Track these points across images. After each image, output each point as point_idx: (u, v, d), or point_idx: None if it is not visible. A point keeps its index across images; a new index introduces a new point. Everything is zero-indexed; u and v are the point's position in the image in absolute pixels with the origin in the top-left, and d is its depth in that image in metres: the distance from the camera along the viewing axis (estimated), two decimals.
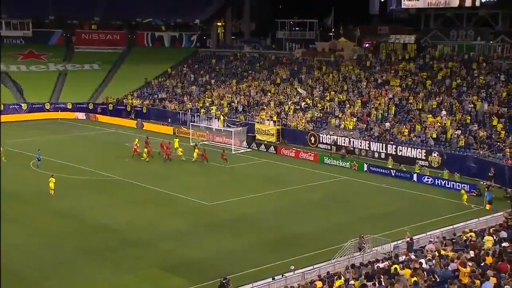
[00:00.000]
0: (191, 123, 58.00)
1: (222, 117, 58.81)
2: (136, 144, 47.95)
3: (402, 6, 62.08)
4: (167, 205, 34.78)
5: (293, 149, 50.15)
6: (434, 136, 46.43)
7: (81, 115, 69.57)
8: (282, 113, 57.37)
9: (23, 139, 54.77)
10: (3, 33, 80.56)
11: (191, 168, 44.70)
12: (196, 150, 45.42)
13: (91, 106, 70.96)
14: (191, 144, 51.42)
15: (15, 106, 68.89)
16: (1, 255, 25.75)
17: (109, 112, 69.71)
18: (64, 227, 30.50)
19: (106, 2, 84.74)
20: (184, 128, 59.22)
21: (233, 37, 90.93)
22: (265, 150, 51.53)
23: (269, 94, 62.33)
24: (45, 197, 35.29)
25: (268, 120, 56.17)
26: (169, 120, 64.62)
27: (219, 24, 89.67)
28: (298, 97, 59.71)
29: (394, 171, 43.05)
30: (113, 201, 35.59)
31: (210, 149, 50.33)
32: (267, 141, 53.82)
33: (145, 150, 47.12)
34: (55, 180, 36.02)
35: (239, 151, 51.30)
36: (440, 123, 47.75)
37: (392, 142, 47.38)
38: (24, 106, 69.21)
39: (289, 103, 58.70)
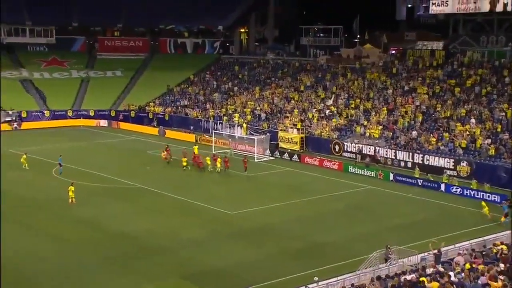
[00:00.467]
0: (213, 130, 58.18)
1: (245, 125, 58.84)
2: (166, 151, 48.59)
3: (430, 12, 61.46)
4: (189, 214, 34.80)
5: (317, 158, 49.91)
6: (463, 145, 45.76)
7: (103, 122, 70.29)
8: (306, 120, 57.18)
9: (45, 146, 55.46)
10: (27, 40, 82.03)
11: (213, 176, 44.72)
12: (219, 159, 45.40)
13: (113, 113, 71.65)
14: (213, 152, 51.67)
15: (38, 113, 69.90)
16: (1, 255, 26.37)
17: (131, 119, 70.30)
18: (85, 235, 30.68)
19: (129, 9, 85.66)
20: (207, 136, 59.35)
21: (256, 44, 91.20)
22: (289, 158, 51.38)
23: (293, 101, 62.21)
24: (66, 204, 35.57)
25: (291, 128, 56.03)
26: (191, 127, 64.88)
27: (242, 30, 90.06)
28: (323, 104, 59.46)
29: (421, 180, 42.54)
30: (134, 209, 35.73)
31: (233, 157, 50.33)
32: (291, 149, 53.65)
33: (163, 154, 47.62)
34: (75, 188, 36.26)
35: (262, 159, 51.21)
36: (469, 131, 47.07)
37: (419, 151, 46.84)
38: (46, 113, 70.21)
39: (313, 111, 58.49)
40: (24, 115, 68.76)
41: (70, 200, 35.61)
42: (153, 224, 32.67)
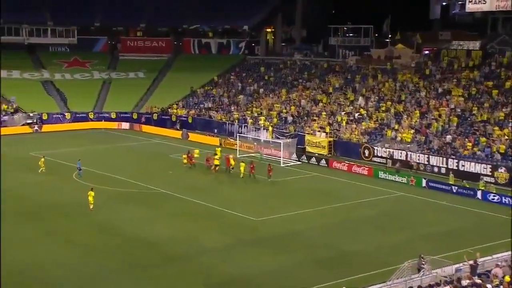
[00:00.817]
0: (238, 134, 58.22)
1: (270, 128, 58.72)
2: (188, 156, 48.83)
3: (466, 10, 60.55)
4: (212, 220, 34.81)
5: (346, 163, 49.57)
6: (502, 150, 44.96)
7: (125, 125, 70.81)
8: (334, 124, 56.85)
9: (66, 150, 56.10)
10: (48, 41, 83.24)
11: (237, 181, 44.71)
12: (243, 164, 45.35)
13: (135, 116, 72.17)
14: (238, 156, 51.76)
15: (59, 116, 70.72)
16: (1, 255, 26.83)
17: (153, 122, 70.68)
18: (105, 241, 30.88)
19: (152, 8, 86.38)
20: (231, 139, 59.40)
21: (283, 44, 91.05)
22: (316, 163, 51.13)
23: (321, 104, 61.93)
24: (86, 209, 35.86)
25: (319, 131, 55.75)
26: (215, 130, 64.98)
27: (268, 30, 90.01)
28: (352, 107, 59.08)
29: (456, 187, 41.91)
30: (156, 214, 35.88)
31: (256, 161, 50.29)
32: (318, 154, 53.35)
33: (184, 156, 47.93)
34: (95, 193, 36.40)
35: (288, 164, 51.05)
36: (507, 136, 46.23)
37: (453, 156, 46.18)
38: (68, 115, 71.05)
39: (342, 114, 58.14)
40: (45, 117, 69.67)
41: (89, 206, 35.85)
42: (174, 230, 32.73)
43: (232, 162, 46.66)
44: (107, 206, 36.97)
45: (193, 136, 63.65)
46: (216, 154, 48.70)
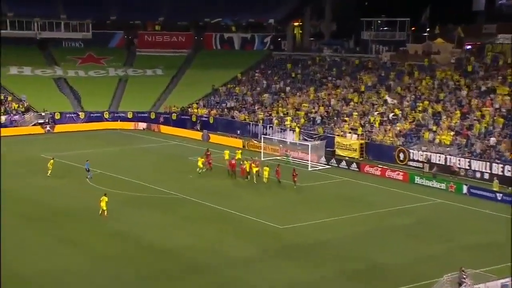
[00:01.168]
0: (262, 135, 58.30)
1: (297, 129, 58.67)
2: (206, 156, 49.08)
3: None
4: (234, 227, 34.85)
5: (379, 167, 49.30)
6: None
7: (142, 125, 71.41)
8: (367, 125, 56.58)
9: (79, 151, 56.67)
10: (61, 35, 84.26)
11: (261, 186, 44.73)
12: (267, 169, 45.22)
13: (152, 116, 72.73)
14: (262, 158, 51.78)
15: (72, 115, 71.64)
16: (1, 255, 27.33)
17: (172, 122, 71.20)
18: (120, 250, 31.05)
19: (171, 1, 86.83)
20: (255, 141, 59.46)
21: (311, 39, 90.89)
22: (346, 167, 50.95)
23: (352, 103, 61.70)
24: (99, 216, 36.14)
25: (350, 133, 55.54)
26: (238, 132, 65.16)
27: (296, 24, 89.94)
28: (385, 107, 58.76)
29: (501, 194, 41.38)
30: (174, 221, 36.03)
31: (283, 164, 50.26)
32: (349, 157, 53.18)
33: (200, 159, 48.15)
34: (108, 199, 36.48)
35: (316, 168, 50.94)
36: None
37: (498, 161, 45.61)
38: (81, 115, 71.89)
39: (375, 114, 57.81)
40: (57, 116, 70.62)
41: (100, 212, 36.06)
42: (194, 239, 32.81)
43: (249, 168, 45.97)
44: (122, 212, 37.23)
45: (215, 138, 63.90)
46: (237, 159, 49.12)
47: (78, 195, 41.45)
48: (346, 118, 58.90)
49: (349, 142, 54.63)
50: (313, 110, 62.85)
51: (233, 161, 47.39)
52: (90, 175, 45.49)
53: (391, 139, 53.37)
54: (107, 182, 44.05)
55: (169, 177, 47.23)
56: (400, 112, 57.00)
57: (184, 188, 43.31)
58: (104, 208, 36.12)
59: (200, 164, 47.69)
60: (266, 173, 45.17)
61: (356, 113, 58.99)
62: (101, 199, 36.45)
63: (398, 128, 54.53)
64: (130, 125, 71.41)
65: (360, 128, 55.80)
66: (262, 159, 52.83)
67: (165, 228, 34.69)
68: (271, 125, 62.23)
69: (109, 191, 38.12)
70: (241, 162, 47.66)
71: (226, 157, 49.82)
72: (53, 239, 32.50)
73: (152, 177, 46.62)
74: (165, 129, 69.36)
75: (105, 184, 43.16)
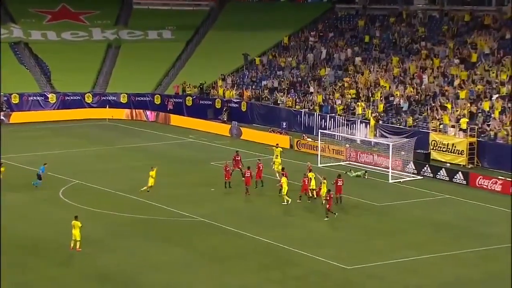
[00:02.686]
0: (320, 130, 58.44)
1: (372, 121, 58.72)
2: (234, 160, 49.34)
3: None
4: (279, 267, 34.91)
5: (499, 179, 48.98)
6: None
7: (141, 114, 72.42)
8: (480, 115, 56.37)
9: (48, 152, 57.06)
10: None
11: (313, 206, 45.03)
12: (325, 182, 44.66)
13: (157, 100, 73.53)
14: (319, 165, 51.97)
15: (38, 98, 72.64)
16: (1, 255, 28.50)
17: (186, 109, 71.99)
18: None
19: None
20: (308, 139, 59.81)
21: None
22: (447, 178, 50.78)
23: (457, 81, 61.44)
24: (70, 251, 36.32)
25: (453, 127, 55.40)
26: (284, 124, 65.60)
27: None
28: (510, 86, 58.18)
29: None
30: (192, 258, 36.22)
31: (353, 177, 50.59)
32: (451, 163, 53.13)
33: (227, 166, 48.16)
34: (81, 224, 36.28)
35: (401, 180, 50.95)
36: None
37: None
38: (51, 97, 72.92)
39: (494, 98, 57.56)
40: (15, 100, 71.49)
41: (72, 244, 36.13)
42: (222, 285, 33.08)
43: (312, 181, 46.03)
44: (114, 243, 37.58)
45: (248, 133, 64.46)
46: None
47: (48, 218, 41.85)
48: (448, 104, 58.61)
49: (452, 141, 54.44)
50: (397, 92, 62.76)
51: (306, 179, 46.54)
52: (38, 183, 46.46)
53: None
54: (89, 198, 44.73)
55: (183, 190, 47.70)
56: None
57: (205, 208, 43.78)
58: (78, 239, 36.13)
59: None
60: (324, 188, 44.88)
61: (464, 97, 58.78)
62: (72, 223, 36.35)
63: None
64: (124, 114, 72.46)
65: (468, 119, 55.68)
66: (319, 165, 53.14)
67: (175, 269, 34.87)
68: (333, 114, 62.47)
69: (91, 211, 38.66)
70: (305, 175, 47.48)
71: (277, 160, 50.22)
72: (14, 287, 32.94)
73: (157, 191, 46.96)
74: (176, 119, 70.03)
75: (85, 200, 43.85)
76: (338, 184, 45.06)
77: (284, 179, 45.20)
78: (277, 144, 53.47)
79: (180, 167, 54.99)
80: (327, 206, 42.40)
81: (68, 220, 39.87)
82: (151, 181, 45.90)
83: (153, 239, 38.95)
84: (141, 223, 41.53)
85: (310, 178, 45.66)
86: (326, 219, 41.98)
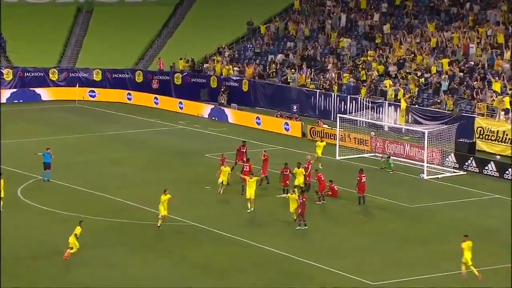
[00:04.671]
0: (338, 114, 58.42)
1: (404, 103, 58.76)
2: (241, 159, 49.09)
3: None
4: (285, 282, 34.99)
5: None
6: None
7: (119, 94, 72.62)
8: None
9: (2, 141, 57.45)
10: None
11: (329, 206, 45.28)
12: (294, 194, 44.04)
13: (139, 77, 73.85)
14: (337, 158, 52.15)
15: None
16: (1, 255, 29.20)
17: (175, 88, 72.35)
18: None
19: None
20: (325, 125, 59.88)
21: None
22: (496, 173, 50.84)
23: (509, 54, 61.51)
24: (56, 261, 36.64)
25: (504, 112, 55.44)
26: (295, 107, 65.79)
27: None
28: None
29: None
30: (180, 271, 36.32)
31: (373, 167, 50.84)
32: (502, 156, 53.31)
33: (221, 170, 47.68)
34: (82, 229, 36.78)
35: (439, 176, 51.08)
36: None
37: None
38: (7, 74, 73.08)
39: None
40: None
41: (68, 251, 36.55)
42: None
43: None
44: (87, 253, 37.54)
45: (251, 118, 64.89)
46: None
47: (9, 224, 42.26)
48: (498, 83, 58.82)
49: (503, 128, 54.57)
50: (434, 68, 62.75)
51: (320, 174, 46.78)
52: (46, 175, 46.77)
53: None
54: (55, 199, 44.95)
55: (170, 190, 47.75)
56: None
57: (197, 210, 43.94)
58: (75, 244, 36.46)
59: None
60: (293, 204, 43.70)
61: None
62: (74, 231, 36.62)
63: None
64: (100, 94, 72.69)
65: None
66: (338, 157, 53.36)
67: (162, 285, 34.89)
68: (355, 95, 62.69)
69: (57, 215, 38.71)
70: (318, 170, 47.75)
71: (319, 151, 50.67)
72: None
73: (139, 189, 47.25)
74: (163, 101, 70.43)
75: (50, 201, 44.09)
76: (362, 181, 45.23)
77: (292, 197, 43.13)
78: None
79: (168, 160, 55.12)
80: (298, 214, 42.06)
81: (30, 226, 40.17)
82: (162, 210, 41.43)
83: (135, 249, 38.99)
84: (121, 229, 41.54)
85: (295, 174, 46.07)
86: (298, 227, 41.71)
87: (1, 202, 42.39)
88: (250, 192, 43.37)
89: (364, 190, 45.44)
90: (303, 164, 46.81)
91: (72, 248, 36.51)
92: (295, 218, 41.70)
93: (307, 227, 41.14)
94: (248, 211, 43.61)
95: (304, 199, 41.45)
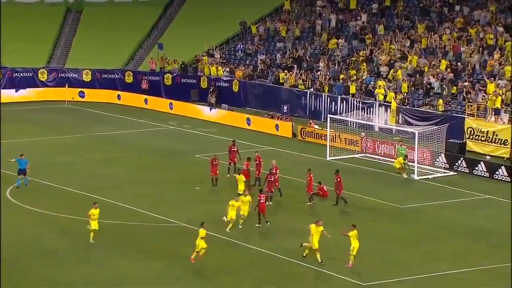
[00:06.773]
0: (329, 115, 58.36)
1: (394, 104, 58.73)
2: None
3: None
4: (278, 283, 34.97)
5: None
6: None
7: (108, 95, 72.48)
8: None
9: None
10: None
11: (321, 209, 45.13)
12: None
13: (129, 78, 73.67)
14: (328, 158, 51.94)
15: None
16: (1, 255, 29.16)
17: (164, 89, 72.16)
18: None
19: None
20: (315, 126, 59.88)
21: None
22: (487, 174, 50.90)
23: (499, 54, 61.57)
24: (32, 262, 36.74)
25: (494, 112, 55.41)
26: (285, 108, 65.67)
27: None
28: None
29: None
30: (172, 273, 36.26)
31: (363, 167, 50.62)
32: (492, 155, 53.30)
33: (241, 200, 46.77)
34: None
35: (429, 176, 51.14)
36: None
37: None
38: None
39: None
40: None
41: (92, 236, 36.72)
42: None
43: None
44: (75, 255, 37.51)
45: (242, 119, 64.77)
46: None
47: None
48: (490, 82, 58.42)
49: (493, 128, 54.46)
50: (425, 69, 62.85)
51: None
52: (24, 180, 46.55)
53: None
54: (44, 199, 44.83)
55: (161, 190, 47.78)
56: None
57: (189, 211, 43.80)
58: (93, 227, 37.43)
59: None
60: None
61: (510, 74, 58.71)
62: (90, 212, 37.82)
63: None
64: (89, 94, 72.44)
65: None
66: (328, 158, 53.28)
67: (156, 286, 35.08)
68: (346, 96, 62.60)
69: (46, 216, 38.61)
70: None
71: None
72: None
73: (129, 190, 47.27)
74: (152, 101, 70.30)
75: (39, 201, 43.96)
76: (337, 180, 45.20)
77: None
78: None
79: (158, 160, 55.07)
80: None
81: (18, 226, 40.05)
82: (201, 244, 37.57)
83: (125, 250, 38.94)
84: (111, 230, 41.25)
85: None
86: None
87: None
88: (244, 208, 42.31)
89: (341, 190, 45.30)
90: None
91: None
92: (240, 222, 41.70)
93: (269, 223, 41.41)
94: (240, 226, 42.64)
95: (262, 197, 41.92)
